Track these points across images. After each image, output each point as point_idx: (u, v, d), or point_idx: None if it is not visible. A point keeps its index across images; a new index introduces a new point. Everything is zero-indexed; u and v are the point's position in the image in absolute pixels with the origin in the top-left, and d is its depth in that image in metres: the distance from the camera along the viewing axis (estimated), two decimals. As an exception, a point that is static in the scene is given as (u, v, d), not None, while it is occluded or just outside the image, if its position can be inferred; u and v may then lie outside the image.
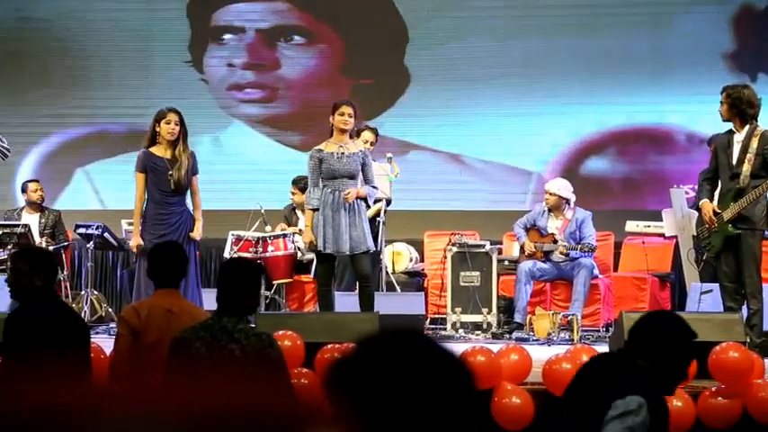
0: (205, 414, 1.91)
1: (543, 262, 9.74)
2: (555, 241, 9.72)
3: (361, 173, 8.09)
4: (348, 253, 7.98)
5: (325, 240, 7.95)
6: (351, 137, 8.22)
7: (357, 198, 8.00)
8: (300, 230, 10.01)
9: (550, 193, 9.82)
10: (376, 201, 8.62)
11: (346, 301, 8.25)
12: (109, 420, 1.83)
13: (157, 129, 7.92)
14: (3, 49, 12.35)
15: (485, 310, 9.58)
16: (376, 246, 8.54)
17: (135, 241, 8.00)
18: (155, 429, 1.83)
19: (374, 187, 8.16)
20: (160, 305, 5.36)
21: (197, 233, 7.99)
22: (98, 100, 12.20)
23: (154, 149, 7.96)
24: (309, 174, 8.10)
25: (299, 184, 10.29)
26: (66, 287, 10.21)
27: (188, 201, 8.09)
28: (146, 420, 1.84)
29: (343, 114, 8.03)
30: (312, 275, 9.71)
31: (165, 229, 7.87)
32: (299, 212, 10.39)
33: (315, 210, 8.03)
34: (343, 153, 8.03)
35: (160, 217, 7.92)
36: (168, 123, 7.87)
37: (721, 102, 7.72)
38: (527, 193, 11.84)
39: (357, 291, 8.99)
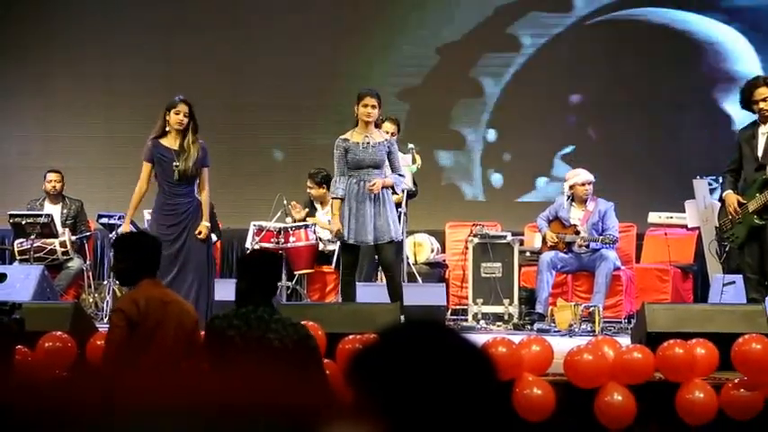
0: (240, 403, 1.91)
1: (565, 253, 9.72)
2: (577, 232, 9.71)
3: (387, 162, 8.10)
4: (371, 243, 7.99)
5: (349, 231, 7.97)
6: (376, 125, 8.21)
7: (383, 188, 8.00)
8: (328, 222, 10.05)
9: (566, 181, 9.87)
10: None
11: (365, 292, 8.25)
12: (132, 413, 1.84)
13: (167, 118, 7.96)
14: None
15: (506, 301, 9.57)
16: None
17: (124, 228, 8.27)
18: (183, 419, 1.84)
19: (401, 175, 8.17)
20: (154, 295, 5.33)
21: (202, 233, 7.97)
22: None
23: (163, 140, 8.01)
24: (335, 163, 8.11)
25: (316, 177, 10.31)
26: (88, 277, 10.26)
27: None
28: (173, 410, 1.85)
29: (366, 106, 8.03)
30: (333, 266, 9.72)
31: (174, 220, 7.94)
32: (316, 204, 10.41)
33: (340, 199, 8.05)
34: (368, 143, 8.03)
35: (168, 207, 7.98)
36: (178, 114, 7.93)
37: (766, 98, 7.64)
38: (548, 185, 11.83)
39: (377, 281, 9.02)
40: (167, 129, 7.99)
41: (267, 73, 12.15)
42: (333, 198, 8.19)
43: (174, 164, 7.90)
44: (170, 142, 7.97)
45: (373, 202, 7.97)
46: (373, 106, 8.02)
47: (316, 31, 12.13)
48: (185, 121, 7.92)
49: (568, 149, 11.93)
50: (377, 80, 11.97)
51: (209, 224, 8.03)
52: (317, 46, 12.12)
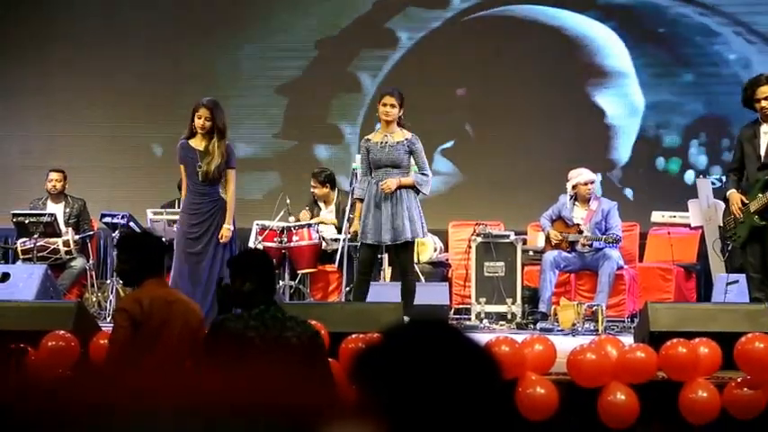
0: (261, 404, 1.91)
1: (568, 252, 9.73)
2: (580, 231, 9.71)
3: (411, 161, 8.10)
4: (389, 243, 8.01)
5: (367, 230, 7.99)
6: (399, 124, 8.20)
7: (402, 187, 7.99)
8: (322, 222, 10.09)
9: (569, 180, 9.87)
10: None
11: (373, 291, 8.24)
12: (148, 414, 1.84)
13: (193, 121, 8.02)
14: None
15: (509, 301, 9.58)
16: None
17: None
18: (184, 419, 1.84)
19: (425, 174, 8.13)
20: (158, 295, 5.34)
21: (223, 236, 8.00)
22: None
23: (192, 140, 8.06)
24: (360, 164, 8.17)
25: (319, 177, 10.32)
26: (91, 276, 10.27)
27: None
28: (175, 410, 1.85)
29: (385, 105, 8.05)
30: (336, 265, 9.73)
31: (197, 219, 7.99)
32: (320, 203, 10.42)
33: (360, 200, 8.09)
34: (386, 142, 8.05)
35: (193, 207, 8.04)
36: (199, 118, 7.96)
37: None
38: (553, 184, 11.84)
39: (380, 280, 9.01)
40: (195, 130, 8.05)
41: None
42: (354, 198, 8.27)
43: (198, 164, 7.94)
44: (197, 143, 8.03)
45: (391, 202, 7.98)
46: (392, 105, 8.04)
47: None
48: (207, 124, 7.95)
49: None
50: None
51: (231, 227, 8.04)
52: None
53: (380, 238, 7.99)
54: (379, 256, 8.99)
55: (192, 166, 7.99)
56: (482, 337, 6.41)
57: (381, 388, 1.83)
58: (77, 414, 1.84)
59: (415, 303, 7.99)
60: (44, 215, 10.12)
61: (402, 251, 8.06)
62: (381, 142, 8.06)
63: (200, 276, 7.89)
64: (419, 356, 1.84)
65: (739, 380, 6.10)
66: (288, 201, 10.09)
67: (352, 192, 8.47)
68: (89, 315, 7.62)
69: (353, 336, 6.31)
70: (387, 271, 9.63)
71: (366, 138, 8.19)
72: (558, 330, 8.94)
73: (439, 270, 10.30)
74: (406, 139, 8.08)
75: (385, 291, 8.33)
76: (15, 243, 10.33)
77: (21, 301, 8.10)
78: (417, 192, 8.10)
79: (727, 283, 8.49)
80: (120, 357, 5.18)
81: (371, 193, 8.04)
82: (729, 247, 8.32)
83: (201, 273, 7.91)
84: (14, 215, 10.16)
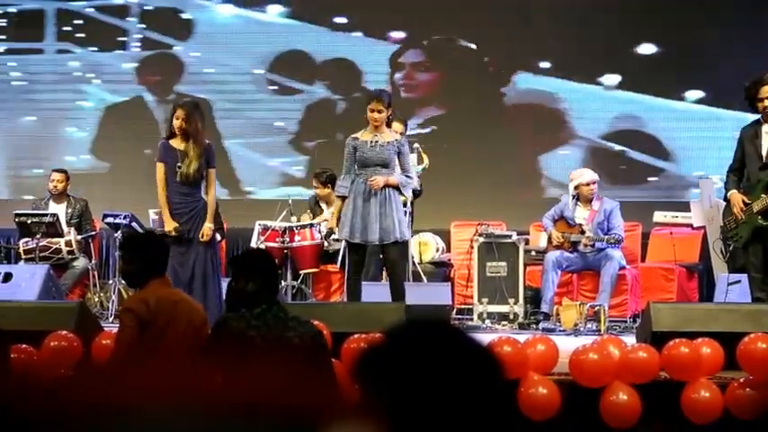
0: (263, 404, 1.90)
1: (570, 252, 9.72)
2: (582, 232, 9.70)
3: (397, 162, 8.08)
4: (377, 242, 7.98)
5: (354, 230, 7.96)
6: (388, 125, 8.18)
7: (388, 186, 7.97)
8: (325, 220, 10.09)
9: (571, 181, 9.87)
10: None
11: (370, 291, 8.24)
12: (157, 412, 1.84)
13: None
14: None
15: (511, 301, 9.57)
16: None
17: (169, 225, 7.94)
18: (185, 419, 1.83)
19: (408, 177, 8.12)
20: (163, 295, 5.36)
21: (205, 235, 7.97)
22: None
23: (173, 141, 8.05)
24: (344, 161, 8.11)
25: (321, 177, 10.31)
26: (93, 276, 10.27)
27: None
28: (177, 410, 1.85)
29: (372, 111, 8.01)
30: (338, 265, 9.72)
31: (179, 219, 7.95)
32: (322, 204, 10.41)
33: (343, 198, 8.04)
34: (376, 141, 8.02)
35: (174, 206, 8.00)
36: (177, 119, 7.96)
37: None
38: (554, 185, 11.84)
39: (382, 280, 9.01)
40: (173, 131, 8.03)
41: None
42: (336, 196, 8.20)
43: (178, 165, 7.93)
44: (177, 143, 8.03)
45: (379, 201, 7.95)
46: (379, 111, 7.99)
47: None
48: (184, 125, 7.95)
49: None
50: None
51: (212, 225, 8.02)
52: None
53: (367, 237, 7.96)
54: (381, 255, 8.98)
55: (173, 166, 7.97)
56: (484, 338, 6.41)
57: (384, 388, 1.83)
58: (78, 414, 1.83)
59: (417, 304, 7.98)
60: (46, 215, 10.12)
61: (390, 250, 8.04)
62: (372, 141, 8.02)
63: (185, 278, 7.86)
64: (421, 356, 1.84)
65: (741, 380, 6.09)
66: (290, 201, 10.09)
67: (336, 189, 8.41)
68: (91, 315, 7.62)
69: (355, 336, 6.30)
70: (388, 271, 9.63)
71: (353, 136, 8.11)
72: (560, 330, 8.93)
73: (441, 270, 10.30)
74: (396, 141, 8.08)
75: (386, 291, 8.32)
76: (17, 243, 10.33)
77: (23, 301, 8.10)
78: (400, 193, 8.11)
79: (729, 283, 8.48)
80: (126, 357, 5.20)
81: (358, 191, 7.99)
82: (731, 248, 8.30)
83: (186, 274, 7.88)
84: (17, 215, 10.17)
